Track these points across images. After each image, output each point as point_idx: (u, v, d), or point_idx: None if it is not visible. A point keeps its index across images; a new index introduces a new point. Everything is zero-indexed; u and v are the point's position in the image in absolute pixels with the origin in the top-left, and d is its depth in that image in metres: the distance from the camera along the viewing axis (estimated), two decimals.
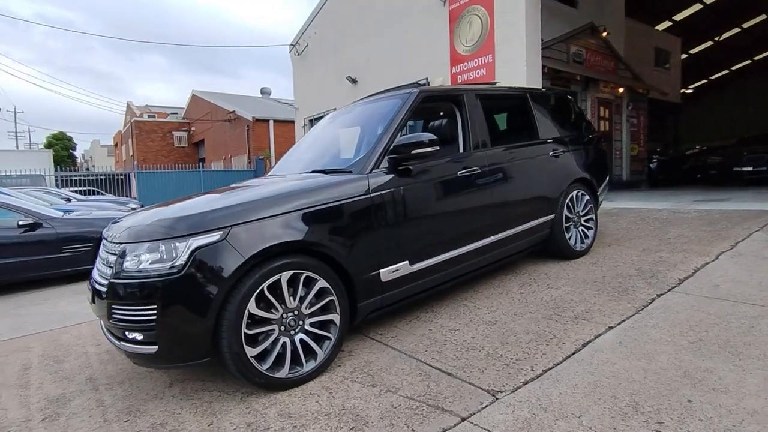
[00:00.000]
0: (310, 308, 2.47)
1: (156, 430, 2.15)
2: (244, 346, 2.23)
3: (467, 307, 3.33)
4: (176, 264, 2.15)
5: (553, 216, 3.97)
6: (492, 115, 4.07)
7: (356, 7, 12.07)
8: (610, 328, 2.72)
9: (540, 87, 7.85)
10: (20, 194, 7.76)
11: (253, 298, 2.25)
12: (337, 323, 2.55)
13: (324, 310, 2.53)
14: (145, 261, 2.21)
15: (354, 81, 12.18)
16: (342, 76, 12.49)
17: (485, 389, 2.20)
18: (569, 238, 4.14)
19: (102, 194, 17.33)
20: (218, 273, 2.17)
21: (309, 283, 2.45)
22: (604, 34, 10.66)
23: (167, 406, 2.37)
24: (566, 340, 2.62)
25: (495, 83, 5.14)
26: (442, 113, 3.71)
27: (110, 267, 2.34)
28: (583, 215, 4.33)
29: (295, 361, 2.42)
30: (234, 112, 21.83)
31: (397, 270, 2.83)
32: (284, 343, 2.38)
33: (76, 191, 16.80)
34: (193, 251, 2.16)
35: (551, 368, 2.33)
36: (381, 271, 2.75)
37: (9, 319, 4.33)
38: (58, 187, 16.67)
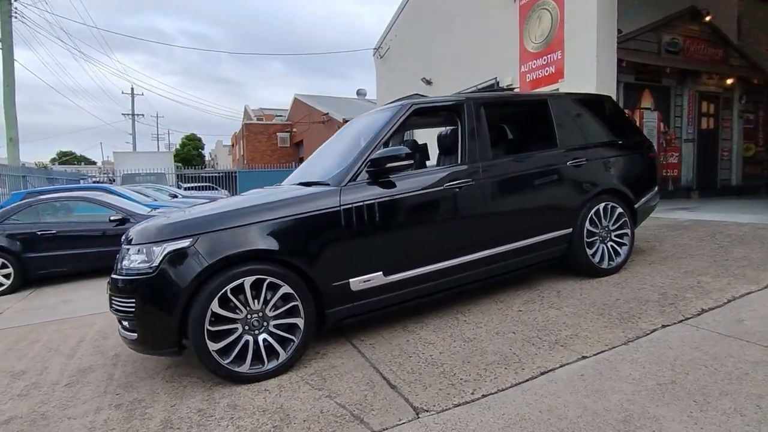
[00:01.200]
0: (274, 311, 2.68)
1: (134, 404, 2.53)
2: (207, 340, 2.52)
3: (457, 320, 3.29)
4: (153, 265, 2.51)
5: (570, 230, 3.70)
6: (503, 124, 3.91)
7: (431, 8, 12.06)
8: (584, 357, 2.52)
9: (597, 89, 7.19)
10: (128, 191, 9.20)
11: (216, 299, 2.52)
12: (301, 327, 2.73)
13: (289, 314, 2.72)
14: (134, 261, 2.60)
15: (429, 82, 12.19)
16: (419, 78, 12.57)
17: (414, 406, 2.21)
18: (592, 255, 3.81)
19: (217, 190, 19.74)
20: (185, 274, 2.48)
21: (273, 288, 2.66)
22: (708, 18, 9.29)
23: (153, 385, 2.75)
24: (528, 365, 2.49)
25: (513, 89, 4.84)
26: (446, 123, 3.67)
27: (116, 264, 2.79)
28: (614, 230, 3.94)
29: (257, 358, 2.65)
30: (327, 114, 23.10)
31: (369, 280, 2.91)
32: (247, 342, 2.63)
33: (195, 187, 19.44)
34: (165, 254, 2.50)
35: (492, 394, 2.26)
36: (351, 280, 2.86)
37: (93, 299, 5.24)
38: (179, 185, 19.44)
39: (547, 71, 8.11)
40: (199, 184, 20.23)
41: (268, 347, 2.68)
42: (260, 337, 2.66)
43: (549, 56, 8.02)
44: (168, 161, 23.05)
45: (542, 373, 2.40)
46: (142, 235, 2.68)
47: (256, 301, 2.63)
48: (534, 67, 8.40)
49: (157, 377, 2.87)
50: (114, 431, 2.26)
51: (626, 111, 7.98)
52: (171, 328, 2.50)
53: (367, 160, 2.98)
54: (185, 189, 17.62)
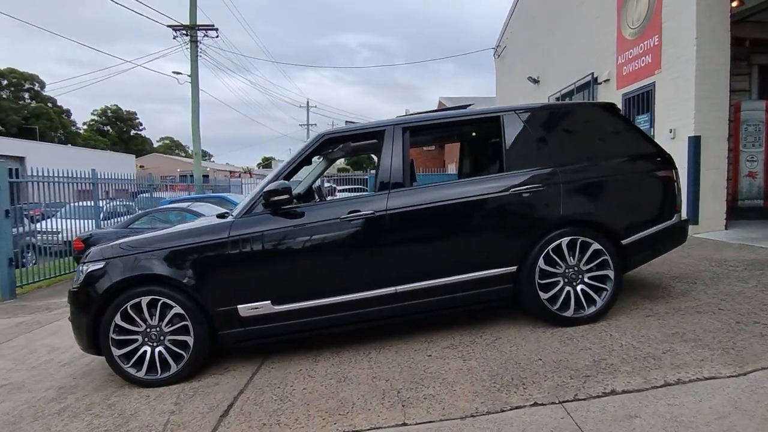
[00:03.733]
0: (170, 327, 3.07)
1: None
2: (111, 347, 3.04)
3: (362, 359, 3.12)
4: (79, 281, 3.14)
5: (515, 268, 3.17)
6: (435, 147, 3.47)
7: (538, 2, 10.98)
8: (404, 425, 2.24)
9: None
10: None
11: (119, 313, 3.03)
12: (191, 345, 3.06)
13: (182, 331, 3.07)
14: (78, 277, 3.28)
15: (536, 81, 11.16)
16: (529, 77, 11.62)
17: None
18: (550, 299, 3.18)
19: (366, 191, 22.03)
20: (95, 291, 3.04)
21: (167, 307, 3.05)
22: None
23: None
24: (356, 420, 2.34)
25: (469, 106, 4.09)
26: (374, 151, 3.53)
27: None
28: (588, 270, 3.21)
29: (152, 368, 3.07)
30: None
31: (257, 308, 3.07)
32: (145, 351, 3.07)
33: (348, 189, 22.22)
34: (86, 273, 3.11)
35: None
36: (239, 306, 3.06)
37: None
38: (333, 188, 22.28)
39: (643, 61, 6.73)
40: (351, 186, 23.08)
41: (162, 359, 3.07)
42: (156, 349, 3.08)
43: (645, 43, 6.64)
44: (321, 166, 25.98)
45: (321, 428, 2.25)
46: (84, 257, 3.34)
47: (153, 317, 3.05)
48: (630, 57, 7.05)
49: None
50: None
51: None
52: (89, 334, 3.08)
53: (262, 193, 3.13)
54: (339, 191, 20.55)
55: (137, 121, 70.70)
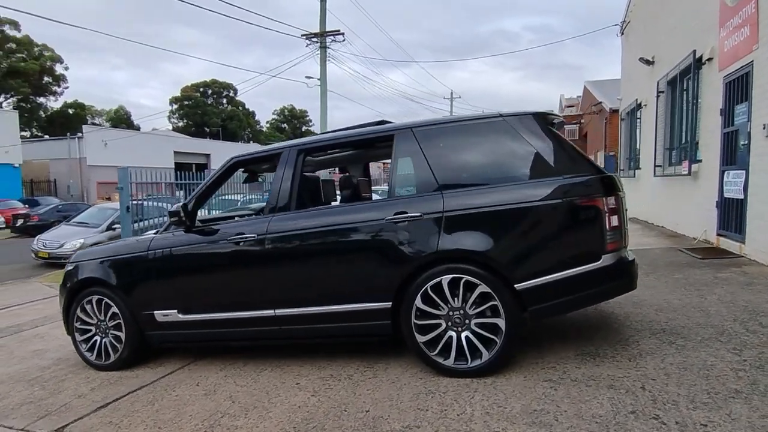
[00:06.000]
0: (112, 322, 3.66)
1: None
2: (75, 335, 3.78)
3: (248, 375, 3.19)
4: (62, 279, 3.96)
5: (389, 304, 2.90)
6: (350, 169, 3.23)
7: None
8: None
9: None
10: None
11: (78, 307, 3.74)
12: (123, 340, 3.61)
13: (117, 328, 3.64)
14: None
15: (650, 62, 9.24)
16: (645, 57, 9.70)
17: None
18: (429, 344, 2.81)
19: None
20: (70, 285, 3.80)
21: (108, 306, 3.64)
22: None
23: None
24: None
25: (382, 122, 3.40)
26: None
27: None
28: (477, 316, 2.74)
29: (99, 354, 3.70)
30: (600, 103, 19.96)
31: (167, 315, 3.47)
32: (95, 340, 3.73)
33: None
34: (65, 272, 3.91)
35: None
36: (155, 312, 3.50)
37: None
38: None
39: (741, 35, 5.11)
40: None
41: (108, 347, 3.68)
42: (105, 340, 3.71)
43: (744, 10, 5.02)
44: None
45: None
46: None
47: (98, 314, 3.68)
48: (732, 28, 5.40)
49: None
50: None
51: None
52: (67, 322, 3.88)
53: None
54: None
55: (308, 118, 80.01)
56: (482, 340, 2.74)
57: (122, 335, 3.58)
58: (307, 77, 20.63)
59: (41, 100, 42.97)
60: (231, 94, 65.35)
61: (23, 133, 40.50)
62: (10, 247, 15.19)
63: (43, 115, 43.92)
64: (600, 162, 18.33)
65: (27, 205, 21.78)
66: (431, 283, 2.79)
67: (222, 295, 3.33)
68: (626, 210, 2.98)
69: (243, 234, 3.24)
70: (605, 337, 3.17)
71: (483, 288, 2.70)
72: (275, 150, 3.40)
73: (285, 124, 76.76)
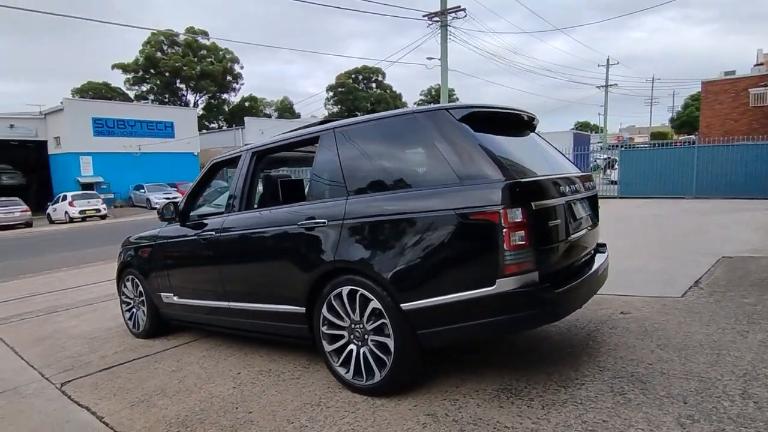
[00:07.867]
0: (140, 298, 4.41)
1: None
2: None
3: (199, 364, 3.53)
4: None
5: (303, 309, 2.88)
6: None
7: None
8: None
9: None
10: None
11: (123, 284, 4.59)
12: (146, 314, 4.32)
13: (142, 305, 4.37)
14: None
15: None
16: None
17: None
18: (334, 353, 2.73)
19: None
20: (118, 266, 4.68)
21: (136, 285, 4.39)
22: None
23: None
24: None
25: (324, 121, 2.89)
26: None
27: None
28: (372, 331, 2.55)
29: (135, 324, 4.51)
30: None
31: (169, 297, 4.04)
32: (133, 312, 4.54)
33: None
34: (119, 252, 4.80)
35: None
36: (162, 294, 4.10)
37: None
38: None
39: None
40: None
41: (137, 321, 4.46)
42: (138, 312, 4.49)
43: None
44: (569, 140, 22.91)
45: None
46: None
47: (135, 291, 4.46)
48: None
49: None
50: None
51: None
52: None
53: None
54: None
55: (455, 97, 79.28)
56: (376, 359, 2.56)
57: (145, 310, 4.29)
58: (428, 58, 20.50)
59: (224, 96, 51.41)
60: (380, 78, 68.42)
61: (212, 125, 48.97)
62: None
63: (227, 109, 52.50)
64: None
65: None
66: (334, 292, 2.70)
67: (196, 285, 3.74)
68: (569, 220, 2.39)
69: (207, 229, 3.56)
70: (551, 373, 2.63)
71: (375, 304, 2.51)
72: (237, 153, 3.61)
73: (432, 104, 77.36)
